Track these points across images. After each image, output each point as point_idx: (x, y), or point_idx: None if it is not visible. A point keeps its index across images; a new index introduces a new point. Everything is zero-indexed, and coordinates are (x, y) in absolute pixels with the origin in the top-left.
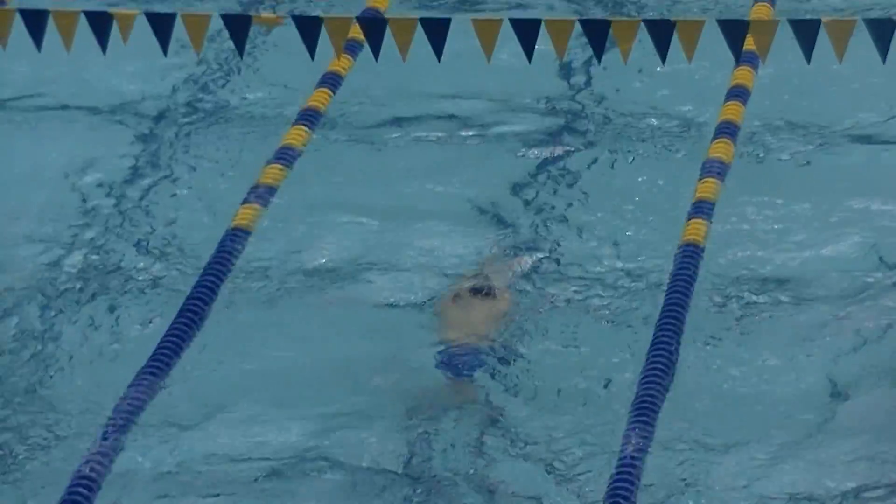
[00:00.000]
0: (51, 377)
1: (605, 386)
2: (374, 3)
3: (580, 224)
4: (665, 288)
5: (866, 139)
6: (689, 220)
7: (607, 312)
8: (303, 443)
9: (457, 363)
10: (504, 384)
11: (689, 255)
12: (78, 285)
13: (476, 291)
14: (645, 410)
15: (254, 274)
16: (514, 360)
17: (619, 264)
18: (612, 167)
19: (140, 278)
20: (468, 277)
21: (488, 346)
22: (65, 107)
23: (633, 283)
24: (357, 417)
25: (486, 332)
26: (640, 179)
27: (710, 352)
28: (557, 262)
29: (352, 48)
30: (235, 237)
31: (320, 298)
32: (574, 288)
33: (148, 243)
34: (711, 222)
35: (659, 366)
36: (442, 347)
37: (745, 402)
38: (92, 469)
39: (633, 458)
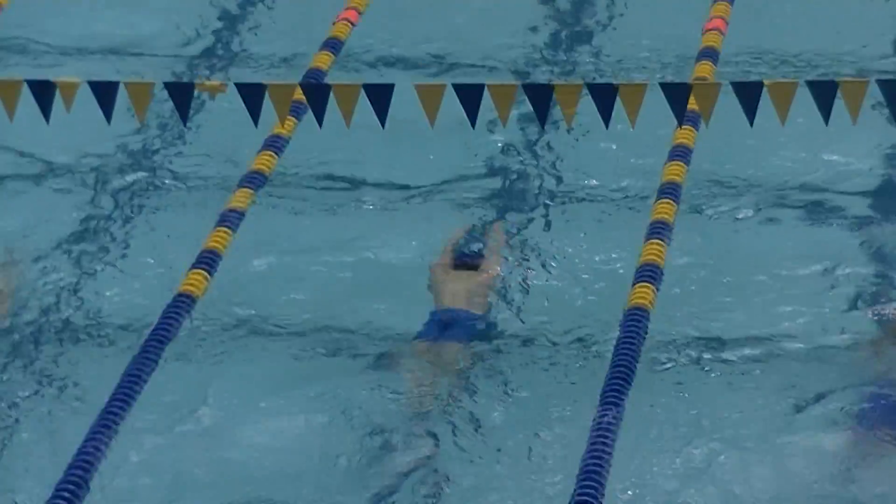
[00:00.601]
0: None
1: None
2: (316, 64)
3: (525, 285)
4: (611, 353)
5: (811, 201)
6: (636, 283)
7: (555, 375)
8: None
9: (446, 326)
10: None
11: (636, 320)
12: (18, 348)
13: (461, 264)
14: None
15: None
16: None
17: (566, 326)
18: (558, 227)
19: (83, 344)
20: (454, 245)
21: (476, 314)
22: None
23: (580, 349)
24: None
25: (472, 302)
26: (583, 240)
27: (655, 416)
28: (502, 323)
29: (296, 110)
30: (181, 303)
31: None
32: (520, 350)
33: (92, 307)
34: (659, 285)
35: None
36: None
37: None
38: None
39: None
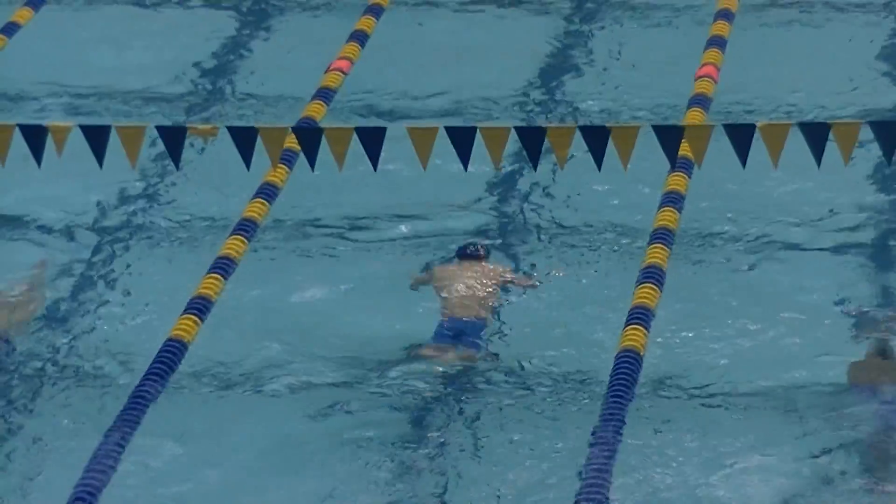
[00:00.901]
0: None
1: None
2: (309, 112)
3: (516, 327)
4: (604, 394)
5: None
6: (627, 326)
7: (550, 414)
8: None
9: (457, 331)
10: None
11: (628, 362)
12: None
13: (465, 254)
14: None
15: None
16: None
17: (558, 369)
18: (551, 270)
19: (74, 387)
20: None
21: (485, 314)
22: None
23: (573, 388)
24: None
25: (480, 293)
26: (580, 282)
27: (650, 455)
28: (497, 360)
29: (288, 159)
30: (172, 348)
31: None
32: (516, 389)
33: (84, 352)
34: (649, 330)
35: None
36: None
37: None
38: None
39: None
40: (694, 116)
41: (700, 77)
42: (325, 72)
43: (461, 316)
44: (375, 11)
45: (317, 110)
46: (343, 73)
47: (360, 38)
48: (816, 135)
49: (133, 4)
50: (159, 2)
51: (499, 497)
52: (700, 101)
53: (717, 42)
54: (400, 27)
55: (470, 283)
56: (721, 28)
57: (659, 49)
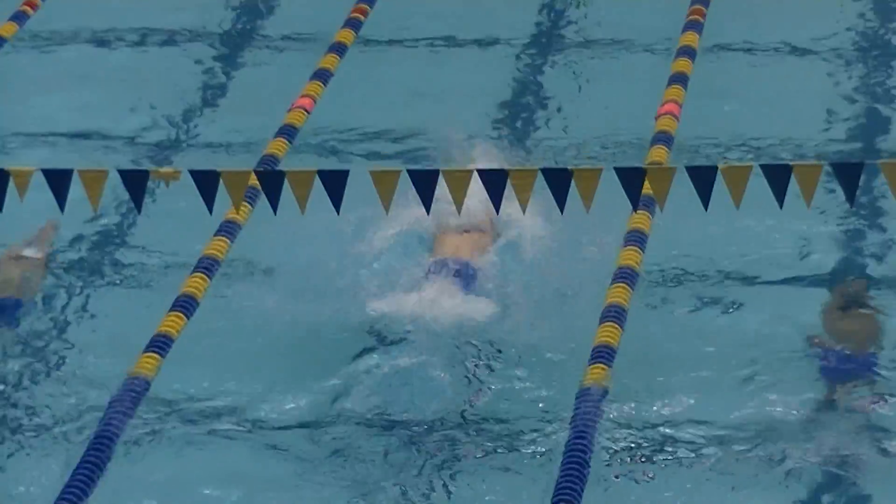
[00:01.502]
0: None
1: None
2: (272, 150)
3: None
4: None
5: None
6: (591, 363)
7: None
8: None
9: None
10: None
11: (592, 398)
12: None
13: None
14: None
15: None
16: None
17: (523, 409)
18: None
19: (35, 429)
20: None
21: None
22: None
23: (536, 431)
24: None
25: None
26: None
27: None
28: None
29: (250, 197)
30: (134, 386)
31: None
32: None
33: (44, 391)
34: (612, 366)
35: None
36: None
37: None
38: None
39: None
40: (657, 154)
41: (662, 115)
42: (288, 110)
43: (452, 256)
44: (339, 49)
45: (279, 148)
46: (306, 111)
47: (322, 76)
48: (778, 177)
49: (91, 45)
50: (118, 42)
51: None
52: (662, 138)
53: (679, 79)
54: (363, 66)
55: (463, 237)
56: (682, 65)
57: (624, 87)
